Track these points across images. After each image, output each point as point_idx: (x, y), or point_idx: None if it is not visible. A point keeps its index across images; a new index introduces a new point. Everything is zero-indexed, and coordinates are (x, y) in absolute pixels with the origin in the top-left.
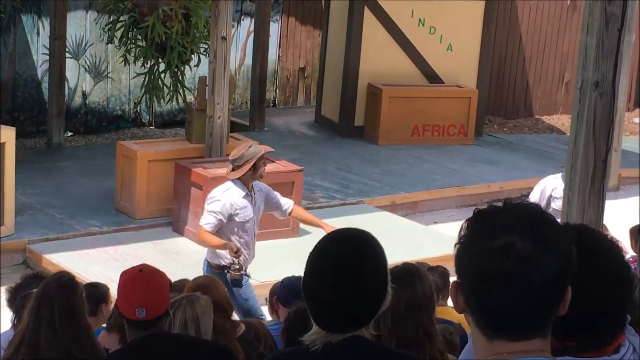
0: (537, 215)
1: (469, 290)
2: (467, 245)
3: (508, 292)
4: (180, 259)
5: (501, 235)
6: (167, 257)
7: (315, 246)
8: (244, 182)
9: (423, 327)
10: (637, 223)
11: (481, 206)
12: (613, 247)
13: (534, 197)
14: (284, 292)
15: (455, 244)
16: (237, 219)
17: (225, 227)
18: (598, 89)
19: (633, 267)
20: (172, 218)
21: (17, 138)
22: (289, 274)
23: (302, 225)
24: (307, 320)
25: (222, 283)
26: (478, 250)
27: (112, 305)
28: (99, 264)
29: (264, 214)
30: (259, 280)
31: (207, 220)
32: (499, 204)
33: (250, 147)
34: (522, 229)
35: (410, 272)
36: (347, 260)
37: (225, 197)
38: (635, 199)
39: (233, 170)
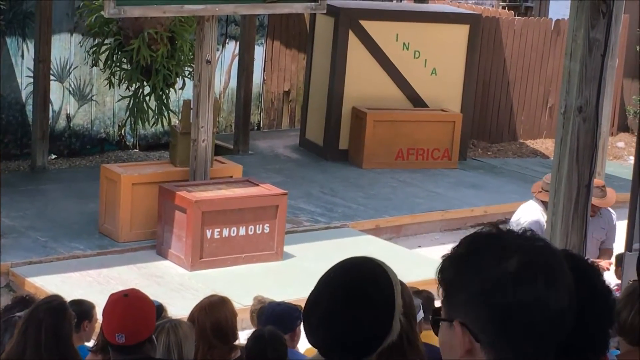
0: (534, 237)
1: (491, 324)
2: (469, 276)
3: (544, 319)
4: (164, 282)
5: (511, 257)
6: (151, 280)
7: (326, 271)
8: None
9: (407, 335)
10: (622, 249)
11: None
12: (594, 271)
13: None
14: (266, 317)
15: (439, 280)
16: None
17: None
18: (581, 114)
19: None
20: (156, 241)
21: (0, 161)
22: (272, 298)
23: (286, 249)
24: (266, 345)
25: (233, 305)
26: (495, 279)
27: (96, 324)
28: (82, 287)
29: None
30: (242, 304)
31: None
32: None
33: None
34: (531, 248)
35: None
36: (345, 290)
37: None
38: (619, 223)
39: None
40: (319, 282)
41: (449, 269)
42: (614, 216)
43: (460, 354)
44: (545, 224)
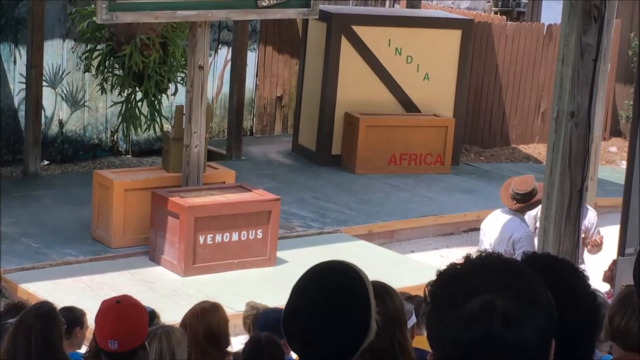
0: (507, 265)
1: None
2: (438, 313)
3: (499, 357)
4: (156, 288)
5: (476, 295)
6: (144, 286)
7: (298, 280)
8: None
9: (397, 340)
10: (614, 251)
11: (442, 267)
12: (579, 276)
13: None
14: (260, 324)
15: (422, 314)
16: None
17: None
18: (574, 119)
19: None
20: (149, 247)
21: None
22: (266, 304)
23: (278, 255)
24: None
25: (225, 311)
26: (454, 318)
27: (87, 330)
28: (75, 293)
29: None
30: (235, 310)
31: None
32: (461, 261)
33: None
34: (498, 284)
35: (380, 288)
36: (323, 295)
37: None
38: (611, 228)
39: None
40: (293, 290)
41: (427, 304)
42: (593, 214)
43: None
44: (538, 210)
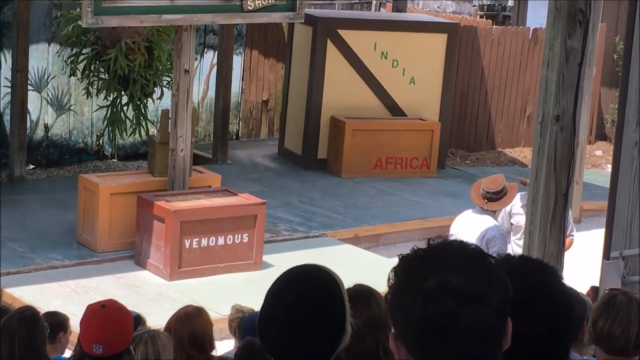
0: (464, 250)
1: (412, 340)
2: (399, 294)
3: (456, 335)
4: (142, 292)
5: (433, 276)
6: (130, 290)
7: (272, 284)
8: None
9: (382, 344)
10: (599, 255)
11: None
12: (554, 277)
13: (502, 213)
14: (245, 328)
15: (386, 295)
16: None
17: None
18: (559, 123)
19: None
20: (135, 251)
21: None
22: (252, 308)
23: (264, 258)
24: (255, 354)
25: (209, 315)
26: (412, 298)
27: (71, 335)
28: (60, 297)
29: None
30: (221, 314)
31: None
32: (422, 245)
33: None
34: (454, 266)
35: (364, 292)
36: (298, 299)
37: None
38: (597, 232)
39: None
40: (268, 294)
41: (390, 286)
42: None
43: None
44: (512, 206)
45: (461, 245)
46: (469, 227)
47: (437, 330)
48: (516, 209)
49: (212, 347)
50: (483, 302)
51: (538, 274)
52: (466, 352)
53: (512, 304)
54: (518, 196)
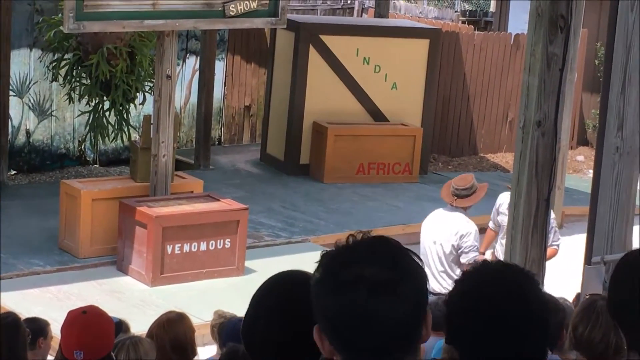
0: (383, 244)
1: (331, 332)
2: (318, 287)
3: (370, 326)
4: (124, 298)
5: (349, 268)
6: (112, 296)
7: (257, 290)
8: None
9: None
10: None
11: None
12: (529, 282)
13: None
14: (227, 333)
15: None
16: None
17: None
18: (540, 129)
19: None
20: (117, 257)
21: None
22: (234, 313)
23: (247, 264)
24: None
25: (191, 321)
26: (328, 290)
27: (52, 341)
28: (42, 304)
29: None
30: (203, 320)
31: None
32: (344, 241)
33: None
34: (370, 259)
35: None
36: (282, 305)
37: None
38: (578, 237)
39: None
40: (253, 300)
41: (313, 280)
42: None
43: (325, 356)
44: (500, 205)
45: (378, 238)
46: (441, 224)
47: (351, 320)
48: (502, 208)
49: (195, 353)
50: (396, 293)
51: (513, 279)
52: (380, 342)
53: (487, 312)
54: (507, 195)
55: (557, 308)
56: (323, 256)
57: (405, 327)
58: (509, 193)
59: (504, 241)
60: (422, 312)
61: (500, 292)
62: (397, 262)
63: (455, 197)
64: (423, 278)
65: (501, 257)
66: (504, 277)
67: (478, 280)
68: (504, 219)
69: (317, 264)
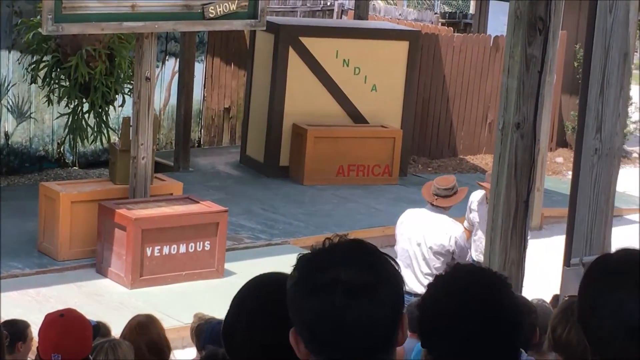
0: (360, 247)
1: (307, 334)
2: (294, 290)
3: (345, 329)
4: (104, 301)
5: (325, 271)
6: (91, 299)
7: (237, 292)
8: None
9: None
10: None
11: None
12: (502, 285)
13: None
14: (206, 336)
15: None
16: None
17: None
18: (519, 131)
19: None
20: (96, 259)
21: None
22: (214, 315)
23: (227, 266)
24: None
25: (159, 321)
26: (304, 293)
27: (32, 343)
28: (20, 306)
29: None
30: (183, 322)
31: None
32: (321, 244)
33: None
34: (346, 262)
35: None
36: (263, 307)
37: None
38: (558, 238)
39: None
40: (233, 302)
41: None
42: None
43: (301, 358)
44: (471, 202)
45: (354, 242)
46: (425, 224)
47: (327, 323)
48: (474, 205)
49: (169, 349)
50: (372, 296)
51: (486, 281)
52: (356, 345)
53: (458, 314)
54: (480, 194)
55: (530, 310)
56: (299, 259)
57: (381, 330)
58: (480, 191)
59: (475, 237)
60: (398, 315)
61: (472, 294)
62: (373, 265)
63: (436, 197)
64: (399, 281)
65: (474, 253)
66: (476, 280)
67: (450, 282)
68: (475, 216)
69: (293, 267)
